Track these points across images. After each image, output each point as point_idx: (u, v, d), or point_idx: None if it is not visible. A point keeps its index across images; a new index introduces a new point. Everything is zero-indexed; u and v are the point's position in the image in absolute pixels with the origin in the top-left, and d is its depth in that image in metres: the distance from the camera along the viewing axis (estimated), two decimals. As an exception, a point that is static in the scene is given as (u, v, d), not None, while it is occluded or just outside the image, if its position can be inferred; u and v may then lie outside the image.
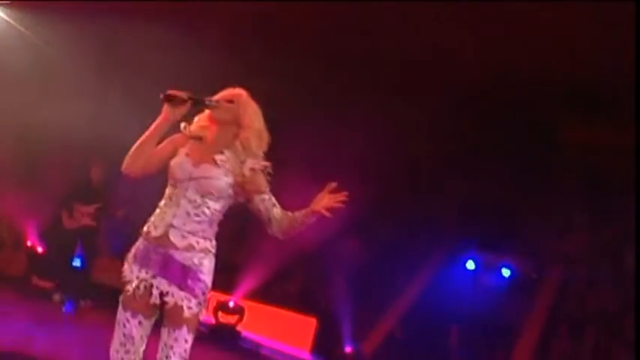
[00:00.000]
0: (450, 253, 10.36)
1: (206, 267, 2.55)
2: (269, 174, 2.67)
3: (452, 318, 8.75)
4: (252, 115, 2.64)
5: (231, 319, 8.18)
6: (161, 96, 2.55)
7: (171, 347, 2.48)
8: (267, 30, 9.35)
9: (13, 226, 7.68)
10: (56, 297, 7.04)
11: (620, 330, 7.96)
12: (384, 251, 10.71)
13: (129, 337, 2.53)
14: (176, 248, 2.51)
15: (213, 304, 8.66)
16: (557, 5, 8.21)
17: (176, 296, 2.49)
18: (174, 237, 2.51)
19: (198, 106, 2.62)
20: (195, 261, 2.52)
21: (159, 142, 2.62)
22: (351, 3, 7.26)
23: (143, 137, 2.57)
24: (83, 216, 6.77)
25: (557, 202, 10.73)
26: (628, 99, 10.15)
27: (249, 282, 9.23)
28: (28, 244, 7.58)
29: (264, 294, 9.28)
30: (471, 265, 9.87)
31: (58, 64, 7.41)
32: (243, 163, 2.59)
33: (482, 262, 9.90)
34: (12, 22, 7.30)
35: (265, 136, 2.67)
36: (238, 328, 8.20)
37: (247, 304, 8.70)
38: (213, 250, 2.61)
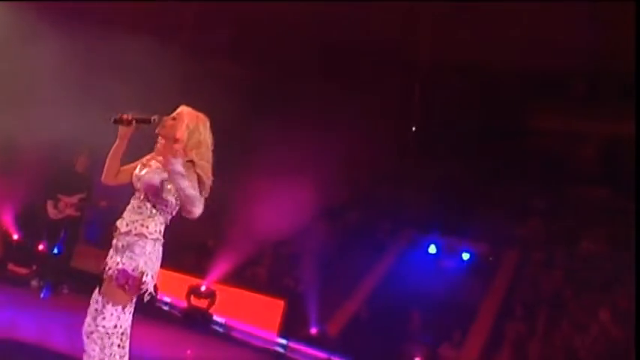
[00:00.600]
0: (413, 238, 10.82)
1: (138, 247, 2.98)
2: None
3: (414, 300, 9.02)
4: (184, 130, 3.05)
5: (203, 303, 8.43)
6: (111, 120, 3.01)
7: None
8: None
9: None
10: (34, 283, 7.22)
11: (571, 312, 8.42)
12: (350, 236, 11.09)
13: None
14: (120, 233, 3.03)
15: (185, 288, 9.04)
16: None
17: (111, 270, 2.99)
18: (119, 224, 3.06)
19: (145, 124, 3.06)
20: (130, 241, 3.00)
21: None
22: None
23: (109, 155, 3.10)
24: (67, 206, 6.94)
25: (515, 188, 11.23)
26: (592, 87, 10.73)
27: (220, 266, 9.41)
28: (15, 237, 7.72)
29: (235, 277, 9.48)
30: (432, 249, 10.28)
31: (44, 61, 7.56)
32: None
33: (443, 246, 10.31)
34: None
35: (201, 146, 3.07)
36: (210, 311, 8.47)
37: (218, 288, 8.92)
38: (151, 236, 3.01)
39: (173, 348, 6.82)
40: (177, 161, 2.79)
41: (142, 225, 3.00)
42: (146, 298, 3.04)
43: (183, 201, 2.91)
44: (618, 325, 7.69)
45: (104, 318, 2.94)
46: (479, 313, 9.00)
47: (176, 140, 2.98)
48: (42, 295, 7.04)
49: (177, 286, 9.01)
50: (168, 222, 3.11)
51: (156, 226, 3.02)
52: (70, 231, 7.12)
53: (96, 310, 2.98)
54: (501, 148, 11.59)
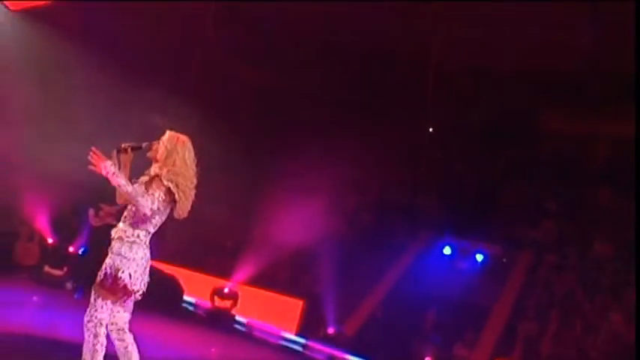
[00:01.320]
0: (428, 240, 11.01)
1: (124, 248, 3.44)
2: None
3: (429, 300, 9.26)
4: (163, 150, 3.50)
5: (226, 304, 8.86)
6: (114, 151, 3.48)
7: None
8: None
9: (26, 220, 8.32)
10: (69, 285, 7.68)
11: (583, 313, 8.57)
12: (367, 238, 11.35)
13: None
14: (112, 238, 3.52)
15: (208, 289, 9.45)
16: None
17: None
18: (113, 232, 3.55)
19: (138, 150, 3.57)
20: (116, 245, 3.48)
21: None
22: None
23: (116, 183, 3.39)
24: (107, 215, 7.34)
25: (529, 190, 11.40)
26: (604, 91, 10.81)
27: (241, 267, 9.83)
28: (50, 241, 8.24)
29: (257, 278, 9.82)
30: (447, 250, 10.50)
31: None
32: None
33: (457, 248, 10.52)
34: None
35: (175, 164, 3.48)
36: (233, 311, 8.89)
37: (240, 288, 9.34)
38: (136, 239, 3.45)
39: (198, 346, 7.21)
40: (107, 164, 3.25)
41: (130, 229, 3.49)
42: (136, 297, 3.47)
43: (126, 199, 3.45)
44: (629, 326, 7.85)
45: (96, 310, 3.39)
46: (492, 313, 9.20)
47: (156, 160, 3.51)
48: (76, 297, 7.51)
49: (201, 287, 9.44)
50: (152, 230, 3.51)
51: (136, 232, 3.48)
52: (106, 237, 7.53)
53: (90, 302, 3.43)
54: (515, 150, 11.77)
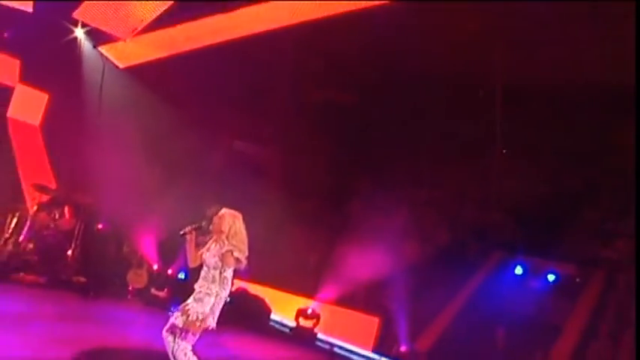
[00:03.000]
0: (500, 259, 11.20)
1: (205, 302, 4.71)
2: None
3: (500, 319, 9.40)
4: (227, 225, 4.80)
5: (309, 323, 9.61)
6: (180, 234, 4.90)
7: None
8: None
9: (136, 248, 9.51)
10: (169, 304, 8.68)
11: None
12: (441, 257, 11.71)
13: None
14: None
15: (293, 306, 10.22)
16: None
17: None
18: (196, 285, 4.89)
19: (199, 229, 4.92)
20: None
21: None
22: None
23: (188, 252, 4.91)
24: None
25: (602, 210, 11.30)
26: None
27: (323, 285, 10.50)
28: (155, 267, 9.42)
29: (336, 296, 10.38)
30: (519, 270, 10.65)
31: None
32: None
33: (529, 267, 10.62)
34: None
35: (236, 235, 4.77)
36: (315, 330, 9.62)
37: (321, 306, 10.02)
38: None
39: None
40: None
41: (207, 288, 4.72)
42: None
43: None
44: None
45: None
46: (562, 332, 9.25)
47: (221, 232, 4.77)
48: (170, 313, 8.52)
49: (285, 305, 10.23)
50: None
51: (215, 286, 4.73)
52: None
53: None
54: (587, 168, 11.71)
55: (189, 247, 4.88)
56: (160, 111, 10.52)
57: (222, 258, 4.69)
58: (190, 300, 4.75)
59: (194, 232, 4.89)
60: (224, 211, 4.88)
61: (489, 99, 11.66)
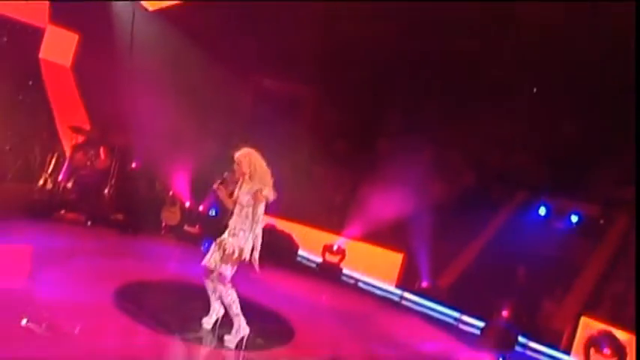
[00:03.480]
0: (525, 200, 11.25)
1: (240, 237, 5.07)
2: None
3: (521, 258, 9.66)
4: (242, 168, 5.13)
5: (334, 259, 9.99)
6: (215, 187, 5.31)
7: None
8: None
9: (168, 188, 9.87)
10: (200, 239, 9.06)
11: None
12: (466, 196, 11.80)
13: None
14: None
15: (317, 242, 10.53)
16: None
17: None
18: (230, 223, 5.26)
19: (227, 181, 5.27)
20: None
21: None
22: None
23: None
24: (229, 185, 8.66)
25: (627, 152, 11.17)
26: None
27: (348, 222, 10.84)
28: (187, 204, 9.81)
29: (362, 232, 10.68)
30: (542, 211, 10.78)
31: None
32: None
33: (553, 208, 10.76)
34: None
35: (254, 172, 5.10)
36: (341, 265, 9.99)
37: (347, 242, 10.34)
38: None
39: (311, 294, 8.46)
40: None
41: (242, 224, 5.08)
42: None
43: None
44: None
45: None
46: (582, 273, 9.46)
47: (244, 174, 5.13)
48: (203, 249, 8.96)
49: (312, 241, 10.58)
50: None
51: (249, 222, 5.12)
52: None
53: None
54: (616, 108, 11.48)
55: (223, 198, 5.27)
56: (190, 52, 10.60)
57: (254, 196, 5.01)
58: (226, 235, 5.09)
59: (222, 185, 5.27)
60: (238, 154, 5.15)
61: (520, 39, 11.45)
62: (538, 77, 11.96)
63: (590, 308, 8.82)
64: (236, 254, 4.99)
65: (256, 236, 5.03)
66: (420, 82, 12.25)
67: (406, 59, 12.26)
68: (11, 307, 4.84)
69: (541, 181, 11.08)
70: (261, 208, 5.03)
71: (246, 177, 5.10)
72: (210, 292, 5.31)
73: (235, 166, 5.16)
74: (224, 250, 5.04)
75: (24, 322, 4.68)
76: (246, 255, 5.00)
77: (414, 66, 12.24)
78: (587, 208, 10.55)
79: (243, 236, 5.02)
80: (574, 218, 10.47)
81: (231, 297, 5.06)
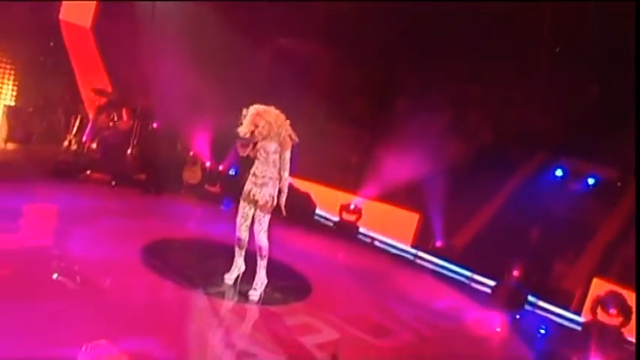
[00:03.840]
0: (542, 160, 11.28)
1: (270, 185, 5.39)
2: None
3: (536, 219, 9.81)
4: (265, 125, 5.29)
5: (351, 217, 10.26)
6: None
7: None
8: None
9: (189, 148, 10.16)
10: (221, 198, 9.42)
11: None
12: (483, 156, 11.90)
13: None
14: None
15: (334, 201, 10.82)
16: None
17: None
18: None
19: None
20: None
21: None
22: None
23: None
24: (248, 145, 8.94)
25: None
26: None
27: (365, 182, 11.02)
28: (208, 164, 10.15)
29: (378, 192, 10.85)
30: (559, 172, 10.88)
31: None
32: None
33: (570, 169, 10.80)
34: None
35: (277, 124, 5.32)
36: (357, 224, 10.26)
37: (364, 202, 10.54)
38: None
39: (328, 252, 8.76)
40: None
41: (271, 172, 5.39)
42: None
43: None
44: None
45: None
46: (596, 235, 9.57)
47: (264, 137, 5.30)
48: (223, 207, 9.33)
49: (329, 200, 10.85)
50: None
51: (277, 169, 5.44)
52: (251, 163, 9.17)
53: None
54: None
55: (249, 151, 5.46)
56: (208, 15, 10.71)
57: (282, 142, 5.28)
58: (253, 187, 5.39)
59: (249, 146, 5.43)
60: (250, 116, 5.28)
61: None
62: (560, 37, 11.90)
63: (603, 270, 8.98)
64: (269, 202, 5.33)
65: (285, 181, 5.35)
66: (439, 41, 12.21)
67: (425, 18, 12.22)
68: (43, 262, 5.21)
69: (559, 143, 11.13)
70: (289, 153, 5.31)
71: (272, 131, 5.26)
72: (239, 248, 5.59)
73: (257, 130, 5.25)
74: (256, 202, 5.35)
75: (55, 276, 5.05)
76: (278, 200, 5.37)
77: (433, 25, 12.17)
78: (604, 170, 10.61)
79: (272, 184, 5.34)
80: (591, 180, 10.54)
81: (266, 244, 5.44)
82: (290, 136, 5.32)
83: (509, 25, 11.81)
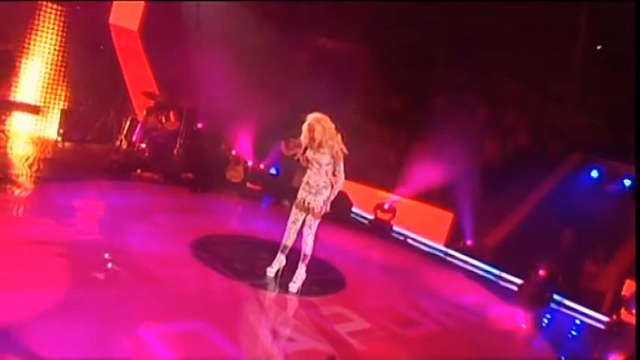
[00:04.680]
0: (578, 161, 11.69)
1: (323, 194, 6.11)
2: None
3: (569, 220, 10.09)
4: (315, 135, 5.93)
5: (386, 216, 10.96)
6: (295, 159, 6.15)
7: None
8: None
9: (232, 147, 11.05)
10: (285, 202, 10.10)
11: None
12: (520, 156, 12.29)
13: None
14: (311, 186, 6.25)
15: (371, 199, 11.49)
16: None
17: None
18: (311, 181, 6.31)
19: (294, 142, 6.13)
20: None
21: None
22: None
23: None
24: (295, 147, 9.66)
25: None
26: None
27: (401, 181, 11.63)
28: (250, 163, 11.01)
29: (413, 191, 11.40)
30: (595, 173, 11.23)
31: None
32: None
33: (606, 171, 11.14)
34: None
35: (329, 136, 5.94)
36: (392, 222, 10.95)
37: (399, 201, 11.20)
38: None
39: (363, 249, 9.46)
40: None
41: (324, 182, 6.09)
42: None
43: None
44: None
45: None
46: (628, 237, 9.89)
47: (319, 140, 5.93)
48: (263, 205, 10.15)
49: (366, 199, 11.54)
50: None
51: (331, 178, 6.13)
52: (293, 164, 9.93)
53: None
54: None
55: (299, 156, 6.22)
56: (250, 17, 11.57)
57: (335, 155, 5.99)
58: (307, 196, 6.17)
59: (287, 146, 6.33)
60: (309, 120, 5.95)
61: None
62: (603, 37, 12.20)
63: (632, 274, 9.27)
64: (322, 209, 6.14)
65: (338, 187, 6.12)
66: (477, 40, 12.67)
67: (463, 16, 12.70)
68: (103, 254, 5.99)
69: (595, 144, 11.47)
70: (342, 164, 6.03)
71: (323, 142, 5.92)
72: (283, 247, 6.38)
73: (310, 137, 5.94)
74: (312, 210, 6.13)
75: (114, 266, 5.83)
76: (327, 208, 6.16)
77: (471, 23, 12.66)
78: (640, 173, 10.88)
79: (325, 192, 6.11)
80: (627, 182, 10.85)
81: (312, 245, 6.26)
82: (342, 149, 6.00)
83: (550, 23, 12.23)
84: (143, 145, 10.33)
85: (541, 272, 8.85)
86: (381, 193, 11.51)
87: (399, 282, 7.79)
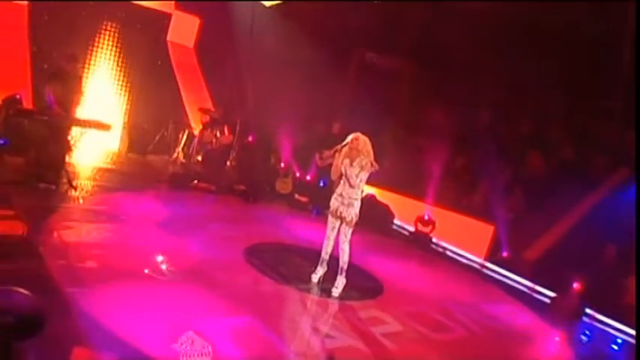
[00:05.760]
0: (624, 176, 11.92)
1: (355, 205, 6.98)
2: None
3: (613, 236, 10.45)
4: (358, 146, 6.89)
5: (425, 229, 11.78)
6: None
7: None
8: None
9: (281, 160, 12.13)
10: (309, 207, 11.28)
11: None
12: (564, 170, 12.68)
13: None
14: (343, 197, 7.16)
15: (413, 210, 12.30)
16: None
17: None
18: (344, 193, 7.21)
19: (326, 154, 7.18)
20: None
21: None
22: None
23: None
24: (328, 158, 10.66)
25: None
26: None
27: (443, 192, 12.36)
28: (297, 175, 12.06)
29: (454, 203, 12.32)
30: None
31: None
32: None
33: (653, 187, 11.54)
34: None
35: (364, 149, 6.89)
36: (431, 235, 11.77)
37: (439, 212, 11.93)
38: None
39: (403, 260, 10.31)
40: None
41: (355, 194, 7.00)
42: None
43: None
44: None
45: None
46: None
47: (359, 150, 6.88)
48: (312, 214, 11.15)
49: (407, 211, 12.39)
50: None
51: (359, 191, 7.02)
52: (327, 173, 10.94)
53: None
54: None
55: (335, 162, 7.08)
56: (300, 35, 12.62)
57: (364, 167, 6.88)
58: (340, 206, 7.06)
59: (336, 153, 7.12)
60: (358, 134, 6.99)
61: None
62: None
63: None
64: (354, 219, 7.03)
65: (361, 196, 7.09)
66: (522, 55, 13.29)
67: (508, 29, 13.34)
68: (164, 259, 7.03)
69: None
70: (366, 176, 6.94)
71: (360, 154, 6.87)
72: (325, 253, 7.35)
73: (352, 145, 6.90)
74: (344, 218, 7.07)
75: (173, 269, 6.79)
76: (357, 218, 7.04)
77: (516, 38, 13.29)
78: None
79: (357, 204, 7.00)
80: (671, 200, 11.20)
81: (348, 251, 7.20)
82: (371, 162, 6.93)
83: (596, 37, 12.73)
84: (199, 158, 11.52)
85: (575, 286, 9.45)
86: (423, 205, 12.21)
87: (433, 290, 8.64)
